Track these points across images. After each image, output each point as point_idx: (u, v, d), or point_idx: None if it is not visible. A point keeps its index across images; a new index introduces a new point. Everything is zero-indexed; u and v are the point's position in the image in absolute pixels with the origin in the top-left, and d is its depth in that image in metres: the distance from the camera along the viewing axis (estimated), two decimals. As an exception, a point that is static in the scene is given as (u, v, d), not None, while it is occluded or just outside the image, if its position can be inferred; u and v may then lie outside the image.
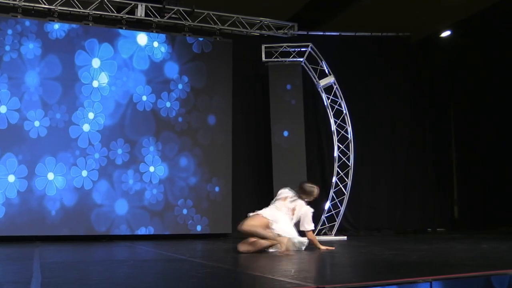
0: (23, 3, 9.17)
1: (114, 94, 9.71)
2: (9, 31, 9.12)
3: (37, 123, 9.11)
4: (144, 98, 9.86)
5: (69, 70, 9.47)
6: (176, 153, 10.00)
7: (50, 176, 9.09)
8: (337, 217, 9.77)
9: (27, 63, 9.19)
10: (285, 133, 10.06)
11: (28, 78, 9.16)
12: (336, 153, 9.92)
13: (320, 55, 10.06)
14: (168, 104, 10.02)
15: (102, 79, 9.64)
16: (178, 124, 10.04)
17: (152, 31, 10.01)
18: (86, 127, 9.45)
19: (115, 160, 9.60)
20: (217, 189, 10.10)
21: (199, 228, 9.89)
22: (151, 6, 10.09)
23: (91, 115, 9.51)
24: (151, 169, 9.79)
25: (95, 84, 9.57)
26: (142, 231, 9.53)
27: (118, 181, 9.58)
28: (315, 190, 6.87)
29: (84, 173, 9.34)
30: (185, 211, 9.88)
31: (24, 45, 9.19)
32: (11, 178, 8.84)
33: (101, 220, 9.34)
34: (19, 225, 8.76)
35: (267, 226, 6.28)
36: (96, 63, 9.62)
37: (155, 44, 10.05)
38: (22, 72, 9.16)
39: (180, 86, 10.14)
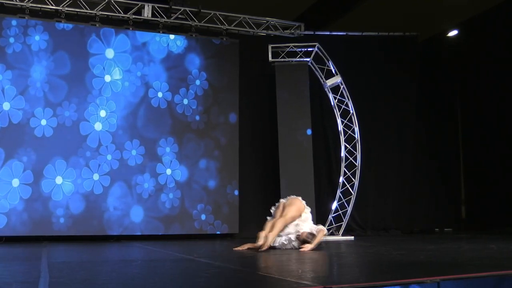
0: (31, 4, 9.19)
1: (128, 90, 9.52)
2: (14, 22, 8.96)
3: (44, 122, 8.91)
4: (160, 94, 9.73)
5: (80, 58, 9.26)
6: (193, 154, 9.81)
7: (59, 179, 8.85)
8: (344, 217, 9.76)
9: (34, 54, 9.01)
10: (309, 131, 9.99)
11: (35, 71, 8.96)
12: (343, 153, 9.91)
13: (326, 55, 10.04)
14: (185, 101, 9.89)
15: (115, 74, 9.48)
16: (195, 123, 9.90)
17: (159, 32, 10.01)
18: (98, 126, 9.23)
19: (128, 162, 9.36)
20: (236, 192, 10.02)
21: (218, 232, 9.78)
22: (158, 7, 10.11)
23: (103, 113, 9.30)
24: (168, 171, 9.64)
25: (107, 78, 9.41)
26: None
27: (132, 185, 9.32)
28: None
29: (96, 176, 9.08)
30: (203, 217, 9.71)
31: (30, 36, 9.00)
32: (16, 182, 8.60)
33: (114, 227, 9.08)
34: (25, 229, 8.56)
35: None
36: (110, 53, 9.49)
37: (171, 36, 10.03)
38: (28, 63, 8.94)
39: (197, 82, 10.04)
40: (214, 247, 7.62)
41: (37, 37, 9.07)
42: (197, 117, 9.96)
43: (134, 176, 9.37)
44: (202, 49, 10.18)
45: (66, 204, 8.86)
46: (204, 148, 9.92)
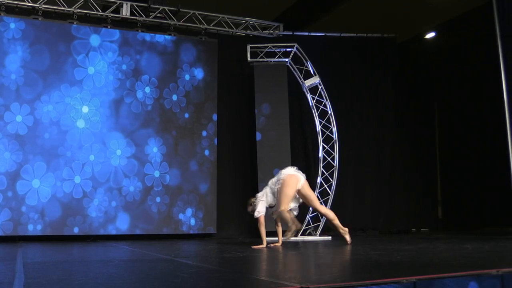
0: (7, 1, 9.06)
1: (112, 85, 9.29)
2: None
3: (19, 118, 8.57)
4: (148, 89, 9.57)
5: (61, 43, 9.05)
6: (181, 154, 9.68)
7: (36, 183, 8.48)
8: (321, 217, 9.77)
9: (10, 42, 8.75)
10: (287, 132, 10.03)
11: (10, 61, 8.67)
12: (321, 154, 9.94)
13: (305, 55, 10.07)
14: (175, 97, 9.76)
15: (99, 66, 9.24)
16: (183, 120, 9.81)
17: (137, 31, 9.94)
18: (80, 123, 8.90)
19: (113, 163, 9.08)
20: (214, 192, 9.98)
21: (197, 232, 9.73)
22: (137, 5, 10.04)
23: (85, 109, 9.00)
24: (156, 173, 9.43)
25: (91, 70, 9.15)
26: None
27: (116, 188, 9.06)
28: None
29: (77, 179, 8.76)
30: (193, 222, 9.63)
31: (5, 22, 8.77)
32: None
33: (96, 233, 8.80)
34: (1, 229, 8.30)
35: None
36: (95, 40, 9.30)
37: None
38: (3, 52, 8.65)
39: (187, 77, 9.97)
40: (192, 247, 7.59)
41: (12, 25, 8.84)
42: (186, 115, 9.89)
43: (119, 178, 9.12)
44: (183, 47, 10.14)
45: (42, 208, 8.53)
46: (192, 148, 9.83)
